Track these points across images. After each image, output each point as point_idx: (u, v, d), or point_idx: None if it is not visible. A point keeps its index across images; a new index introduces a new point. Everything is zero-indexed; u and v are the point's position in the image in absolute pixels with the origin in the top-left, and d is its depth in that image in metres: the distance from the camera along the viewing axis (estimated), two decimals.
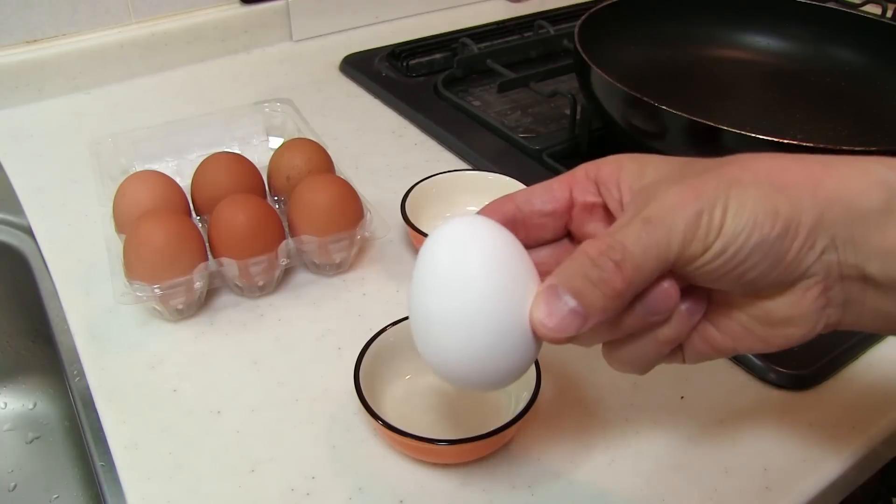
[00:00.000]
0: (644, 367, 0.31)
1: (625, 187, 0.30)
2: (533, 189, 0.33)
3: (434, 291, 0.28)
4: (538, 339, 0.29)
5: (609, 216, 0.32)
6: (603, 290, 0.26)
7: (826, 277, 0.27)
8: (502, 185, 0.55)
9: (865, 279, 0.27)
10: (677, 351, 0.31)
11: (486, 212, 0.32)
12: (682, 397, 0.43)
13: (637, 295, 0.28)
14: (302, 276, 0.52)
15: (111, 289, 0.46)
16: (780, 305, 0.28)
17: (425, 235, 0.50)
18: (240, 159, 0.53)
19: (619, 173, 0.31)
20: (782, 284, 0.28)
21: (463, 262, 0.28)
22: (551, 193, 0.32)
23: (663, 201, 0.27)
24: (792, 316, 0.28)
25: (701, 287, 0.29)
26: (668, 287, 0.28)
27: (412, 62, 0.79)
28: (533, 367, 0.39)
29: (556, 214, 0.32)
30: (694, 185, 0.27)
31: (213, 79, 0.79)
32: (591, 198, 0.32)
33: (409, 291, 0.29)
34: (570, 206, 0.32)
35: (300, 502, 0.37)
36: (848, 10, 0.69)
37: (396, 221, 0.53)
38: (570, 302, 0.27)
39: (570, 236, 0.34)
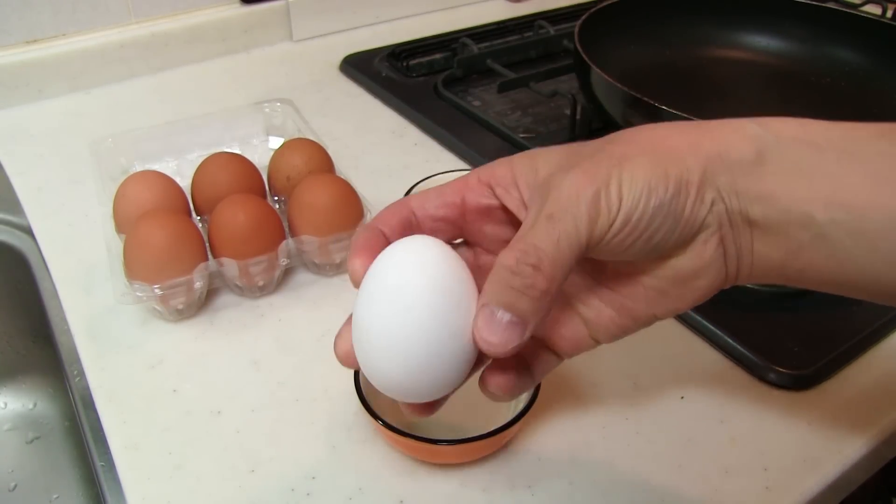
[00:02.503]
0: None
1: (522, 185, 0.31)
2: (426, 194, 0.34)
3: (381, 309, 0.29)
4: (481, 354, 0.30)
5: (508, 216, 0.33)
6: (530, 295, 0.27)
7: (720, 227, 0.30)
8: None
9: (751, 224, 0.29)
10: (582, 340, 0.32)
11: (384, 216, 0.33)
12: (682, 397, 0.43)
13: None
14: (302, 276, 0.52)
15: (111, 289, 0.46)
16: (684, 261, 0.30)
17: None
18: (240, 159, 0.53)
19: (513, 173, 0.32)
20: (684, 241, 0.30)
21: (409, 285, 0.28)
22: (443, 199, 0.33)
23: (560, 192, 0.28)
24: (697, 268, 0.30)
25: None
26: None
27: (412, 62, 0.79)
28: None
29: (449, 220, 0.33)
30: (586, 169, 0.29)
31: (213, 79, 0.79)
32: (486, 200, 0.33)
33: (355, 305, 0.30)
34: (463, 211, 0.33)
35: (300, 502, 0.37)
36: (848, 10, 0.69)
37: None
38: (505, 316, 0.28)
39: (466, 242, 0.35)
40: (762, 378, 0.44)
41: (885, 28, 0.66)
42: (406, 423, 0.38)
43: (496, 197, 0.32)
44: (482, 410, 0.41)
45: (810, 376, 0.43)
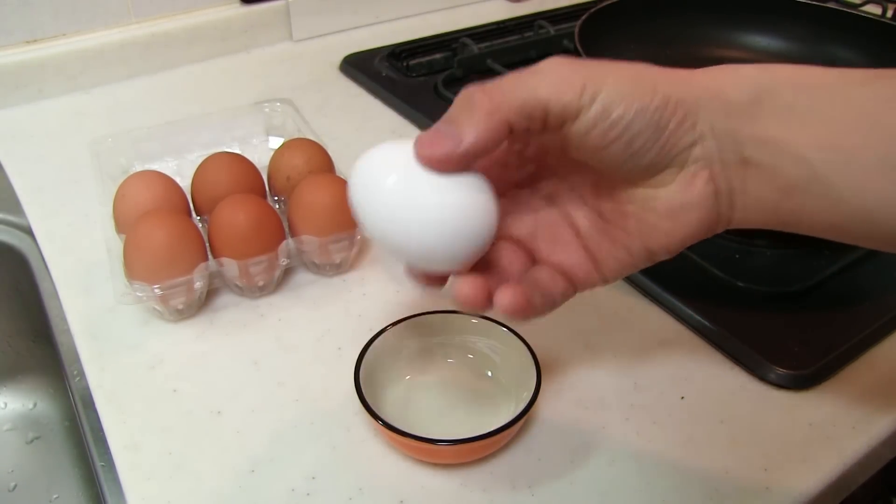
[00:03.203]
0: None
1: None
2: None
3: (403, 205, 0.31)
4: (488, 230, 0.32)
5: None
6: (472, 114, 0.29)
7: (710, 164, 0.30)
8: None
9: (745, 163, 0.30)
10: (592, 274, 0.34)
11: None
12: (682, 397, 0.43)
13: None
14: (302, 277, 0.52)
15: (111, 289, 0.46)
16: (672, 192, 0.31)
17: None
18: (240, 159, 0.53)
19: None
20: (667, 166, 0.30)
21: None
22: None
23: (549, 62, 0.30)
24: (686, 202, 0.31)
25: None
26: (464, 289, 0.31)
27: (412, 62, 0.79)
28: (533, 368, 0.40)
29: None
30: (578, 64, 0.30)
31: (213, 79, 0.79)
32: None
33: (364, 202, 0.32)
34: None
35: (300, 502, 0.37)
36: (848, 10, 0.69)
37: None
38: (445, 128, 0.30)
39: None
40: (762, 378, 0.44)
41: (885, 28, 0.66)
42: (406, 423, 0.38)
43: None
44: (483, 411, 0.41)
45: (810, 376, 0.43)
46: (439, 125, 0.30)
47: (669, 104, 0.29)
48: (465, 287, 0.32)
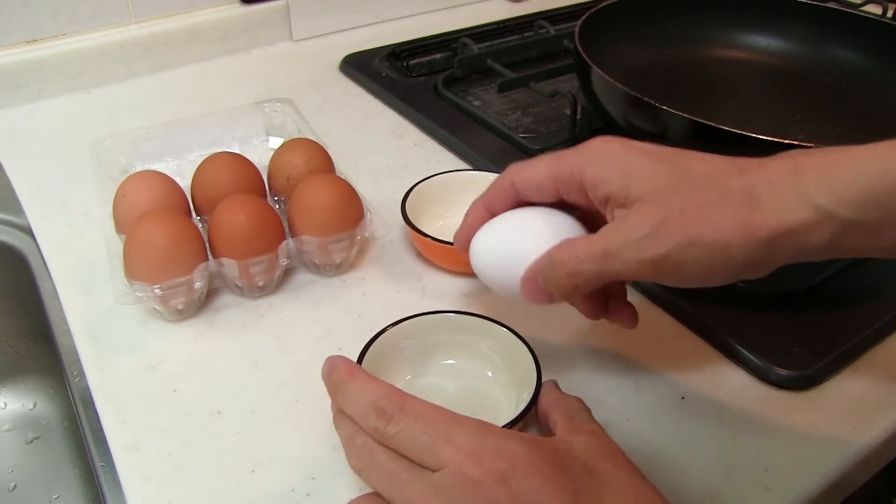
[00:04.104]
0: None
1: (602, 195, 0.36)
2: (528, 184, 0.39)
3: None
4: None
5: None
6: (558, 286, 0.36)
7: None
8: None
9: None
10: None
11: (490, 198, 0.40)
12: (682, 397, 0.43)
13: None
14: (302, 277, 0.52)
15: (111, 289, 0.46)
16: None
17: (425, 235, 0.50)
18: (240, 159, 0.53)
19: (604, 190, 0.36)
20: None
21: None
22: (542, 191, 0.39)
23: (627, 232, 0.34)
24: None
25: None
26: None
27: (412, 62, 0.79)
28: (534, 368, 0.40)
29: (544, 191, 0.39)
30: (658, 230, 0.33)
31: (213, 79, 0.79)
32: (574, 198, 0.38)
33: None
34: (557, 194, 0.39)
35: (300, 502, 0.37)
36: (848, 10, 0.69)
37: (396, 221, 0.53)
38: (542, 284, 0.37)
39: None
40: (762, 378, 0.44)
41: (886, 28, 0.66)
42: None
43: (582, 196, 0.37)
44: (483, 411, 0.41)
45: (811, 376, 0.43)
46: (540, 279, 0.37)
47: (744, 268, 0.33)
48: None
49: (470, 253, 0.41)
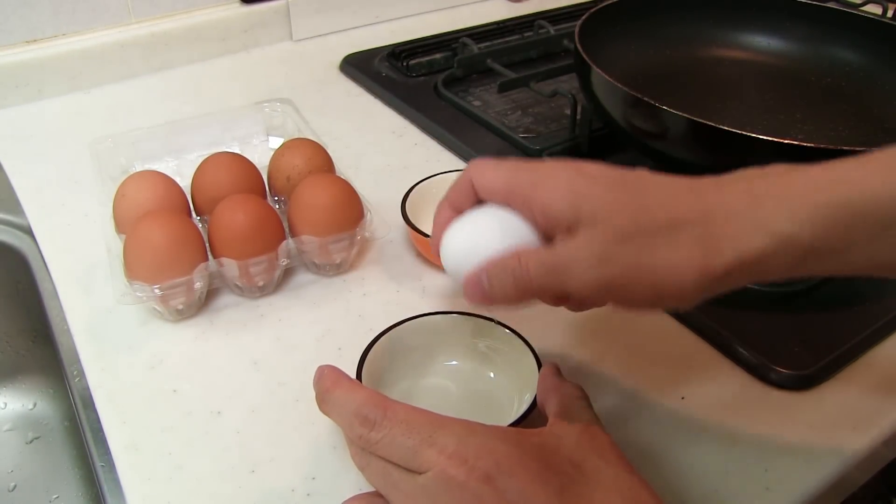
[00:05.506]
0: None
1: (550, 214, 0.35)
2: (483, 189, 0.38)
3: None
4: None
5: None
6: (503, 289, 0.35)
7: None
8: None
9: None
10: None
11: (454, 196, 0.39)
12: (682, 397, 0.43)
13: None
14: (302, 277, 0.52)
15: (111, 289, 0.46)
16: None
17: (425, 235, 0.50)
18: (240, 159, 0.53)
19: (552, 214, 0.35)
20: None
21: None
22: (495, 199, 0.38)
23: (576, 250, 0.33)
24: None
25: None
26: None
27: (412, 62, 0.79)
28: (535, 369, 0.40)
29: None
30: (608, 251, 0.32)
31: (213, 79, 0.79)
32: (526, 215, 0.37)
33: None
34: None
35: (300, 503, 0.37)
36: (848, 10, 0.69)
37: (396, 221, 0.53)
38: (485, 283, 0.35)
39: None
40: (762, 378, 0.44)
41: (886, 28, 0.66)
42: None
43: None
44: (485, 412, 0.41)
45: (811, 376, 0.43)
46: (484, 278, 0.35)
47: (693, 301, 0.32)
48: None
49: (440, 255, 0.40)
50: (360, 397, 0.32)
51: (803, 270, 0.31)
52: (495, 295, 0.35)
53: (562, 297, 0.37)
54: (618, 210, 0.32)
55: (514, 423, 0.37)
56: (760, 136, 0.45)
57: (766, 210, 0.31)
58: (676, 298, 0.32)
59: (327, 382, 0.34)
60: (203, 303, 0.49)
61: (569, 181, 0.34)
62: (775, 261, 0.31)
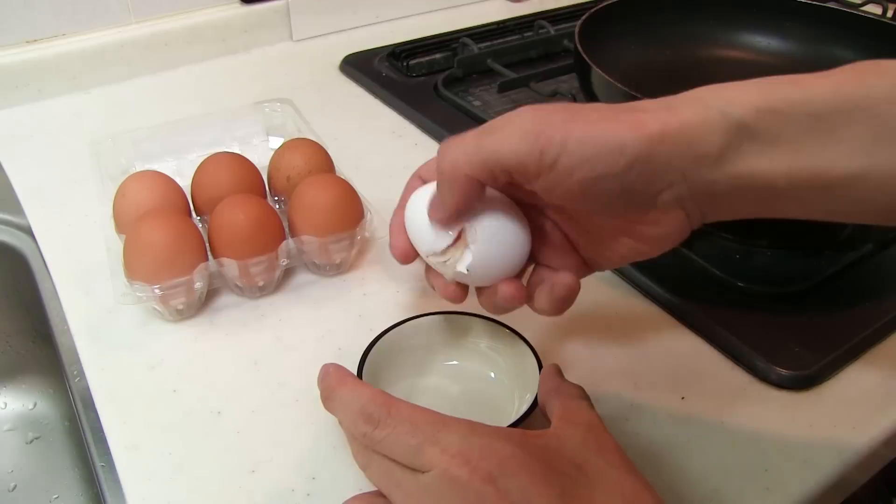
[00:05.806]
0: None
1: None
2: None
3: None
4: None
5: None
6: (443, 181, 0.35)
7: (681, 202, 0.32)
8: None
9: (718, 196, 0.32)
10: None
11: (425, 168, 0.41)
12: (682, 397, 0.43)
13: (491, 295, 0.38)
14: (302, 277, 0.52)
15: (111, 289, 0.46)
16: (649, 229, 0.34)
17: None
18: (240, 159, 0.53)
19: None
20: (636, 211, 0.33)
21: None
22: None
23: (513, 120, 0.33)
24: (663, 234, 0.34)
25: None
26: (509, 289, 0.37)
27: (412, 62, 0.79)
28: (536, 369, 0.40)
29: None
30: (539, 120, 0.32)
31: (213, 79, 0.79)
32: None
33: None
34: None
35: (300, 502, 0.37)
36: (848, 10, 0.69)
37: None
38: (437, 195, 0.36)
39: None
40: (762, 378, 0.44)
41: (885, 28, 0.66)
42: None
43: None
44: (485, 412, 0.41)
45: (811, 376, 0.43)
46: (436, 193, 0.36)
47: (636, 166, 0.31)
48: (509, 289, 0.37)
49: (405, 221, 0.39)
50: (364, 395, 0.32)
51: (738, 164, 0.31)
52: (446, 197, 0.35)
53: (515, 185, 0.34)
54: (555, 111, 0.33)
55: (515, 424, 0.37)
56: None
57: (703, 95, 0.32)
58: (615, 175, 0.31)
59: (332, 380, 0.34)
60: (203, 303, 0.49)
61: (520, 120, 0.34)
62: (708, 135, 0.31)
